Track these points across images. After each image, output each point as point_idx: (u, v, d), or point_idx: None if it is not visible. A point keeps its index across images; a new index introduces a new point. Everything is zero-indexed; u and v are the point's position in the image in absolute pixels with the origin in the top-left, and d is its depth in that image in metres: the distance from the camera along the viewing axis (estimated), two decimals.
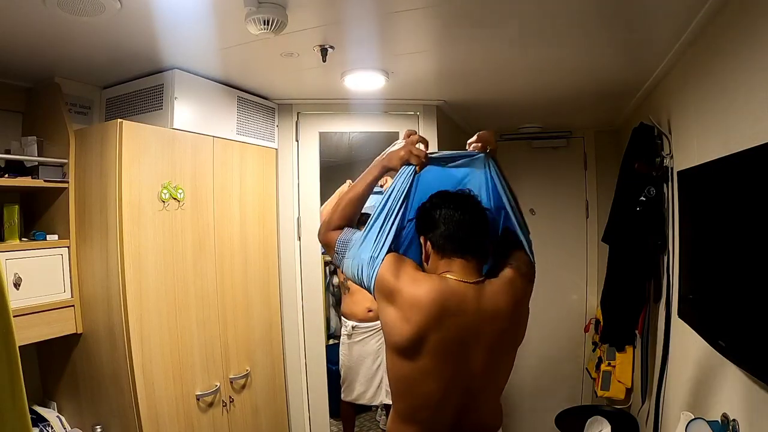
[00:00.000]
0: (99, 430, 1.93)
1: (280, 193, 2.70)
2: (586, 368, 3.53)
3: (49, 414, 2.00)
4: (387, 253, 1.28)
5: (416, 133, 1.41)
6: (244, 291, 2.42)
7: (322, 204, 2.78)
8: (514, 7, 1.57)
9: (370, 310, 2.89)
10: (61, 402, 2.08)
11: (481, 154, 1.38)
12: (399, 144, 1.41)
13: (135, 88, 2.13)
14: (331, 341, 3.43)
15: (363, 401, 3.06)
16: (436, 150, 1.52)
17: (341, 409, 3.16)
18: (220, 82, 2.28)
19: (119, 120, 1.86)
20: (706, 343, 1.59)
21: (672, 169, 2.03)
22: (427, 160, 1.34)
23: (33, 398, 2.04)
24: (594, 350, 3.32)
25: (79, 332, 1.97)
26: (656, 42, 1.87)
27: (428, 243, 1.30)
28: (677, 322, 1.94)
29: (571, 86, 2.50)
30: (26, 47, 1.74)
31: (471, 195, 1.32)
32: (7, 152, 1.89)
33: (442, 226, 1.26)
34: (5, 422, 0.87)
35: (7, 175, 1.82)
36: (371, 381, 2.99)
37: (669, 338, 2.09)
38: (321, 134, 2.79)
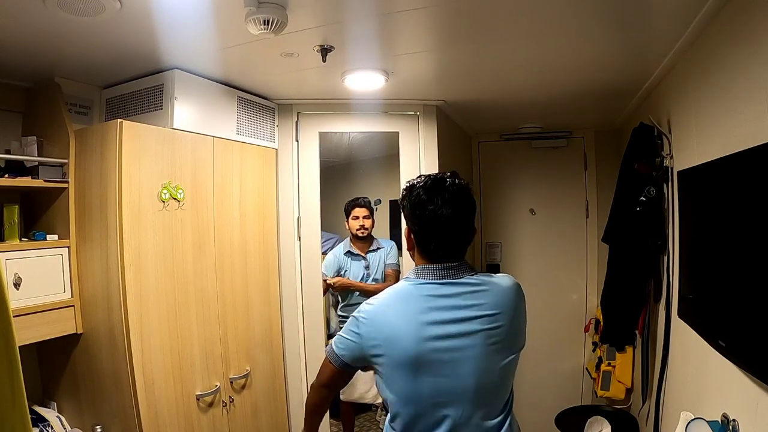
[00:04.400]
0: (99, 430, 1.93)
1: (280, 193, 2.70)
2: (586, 368, 3.53)
3: (49, 414, 2.00)
4: None
5: None
6: (244, 291, 2.42)
7: (321, 204, 2.77)
8: (514, 8, 1.57)
9: None
10: (61, 402, 2.08)
11: None
12: None
13: (135, 88, 2.13)
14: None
15: (366, 401, 3.06)
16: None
17: (341, 409, 3.16)
18: (220, 82, 2.27)
19: (119, 120, 1.86)
20: (706, 343, 1.59)
21: (672, 169, 2.03)
22: None
23: (33, 398, 2.04)
24: (594, 350, 3.32)
25: (79, 332, 1.97)
26: (656, 42, 1.87)
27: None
28: (677, 322, 1.95)
29: (571, 86, 2.50)
30: (26, 47, 1.74)
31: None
32: (7, 152, 1.90)
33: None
34: (5, 422, 0.86)
35: (7, 175, 1.82)
36: (373, 380, 2.98)
37: (669, 338, 2.09)
38: (321, 134, 2.79)
